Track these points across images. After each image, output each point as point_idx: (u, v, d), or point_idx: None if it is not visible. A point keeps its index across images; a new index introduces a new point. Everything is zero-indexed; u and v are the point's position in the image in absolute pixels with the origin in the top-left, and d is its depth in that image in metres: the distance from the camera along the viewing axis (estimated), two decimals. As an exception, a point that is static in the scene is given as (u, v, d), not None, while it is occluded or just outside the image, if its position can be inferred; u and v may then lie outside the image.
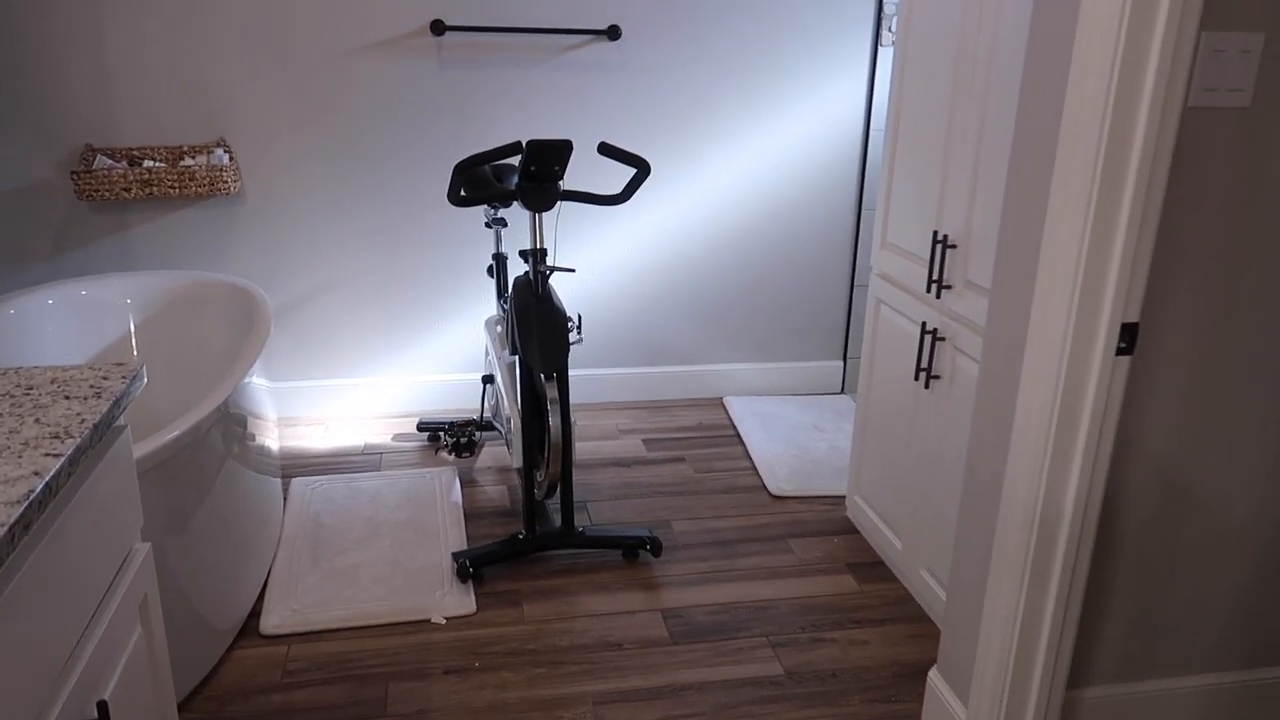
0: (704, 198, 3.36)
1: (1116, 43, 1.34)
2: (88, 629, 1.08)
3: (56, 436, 1.02)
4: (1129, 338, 1.47)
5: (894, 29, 3.13)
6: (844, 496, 2.82)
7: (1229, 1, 1.41)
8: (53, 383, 1.18)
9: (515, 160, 2.77)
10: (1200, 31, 1.41)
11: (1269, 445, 1.67)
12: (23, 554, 0.92)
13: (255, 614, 2.22)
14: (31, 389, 1.16)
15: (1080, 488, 1.55)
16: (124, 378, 1.20)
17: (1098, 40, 1.36)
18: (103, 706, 1.02)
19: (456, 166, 2.28)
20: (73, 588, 1.03)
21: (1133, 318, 1.46)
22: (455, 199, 2.33)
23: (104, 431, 1.10)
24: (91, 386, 1.17)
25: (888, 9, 3.23)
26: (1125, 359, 1.48)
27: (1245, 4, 1.41)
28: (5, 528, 0.85)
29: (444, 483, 2.84)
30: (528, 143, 2.22)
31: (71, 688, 1.00)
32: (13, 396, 1.13)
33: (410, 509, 2.68)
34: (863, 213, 3.45)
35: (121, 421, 1.24)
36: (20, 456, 0.98)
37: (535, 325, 2.30)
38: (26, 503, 0.89)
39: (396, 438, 3.17)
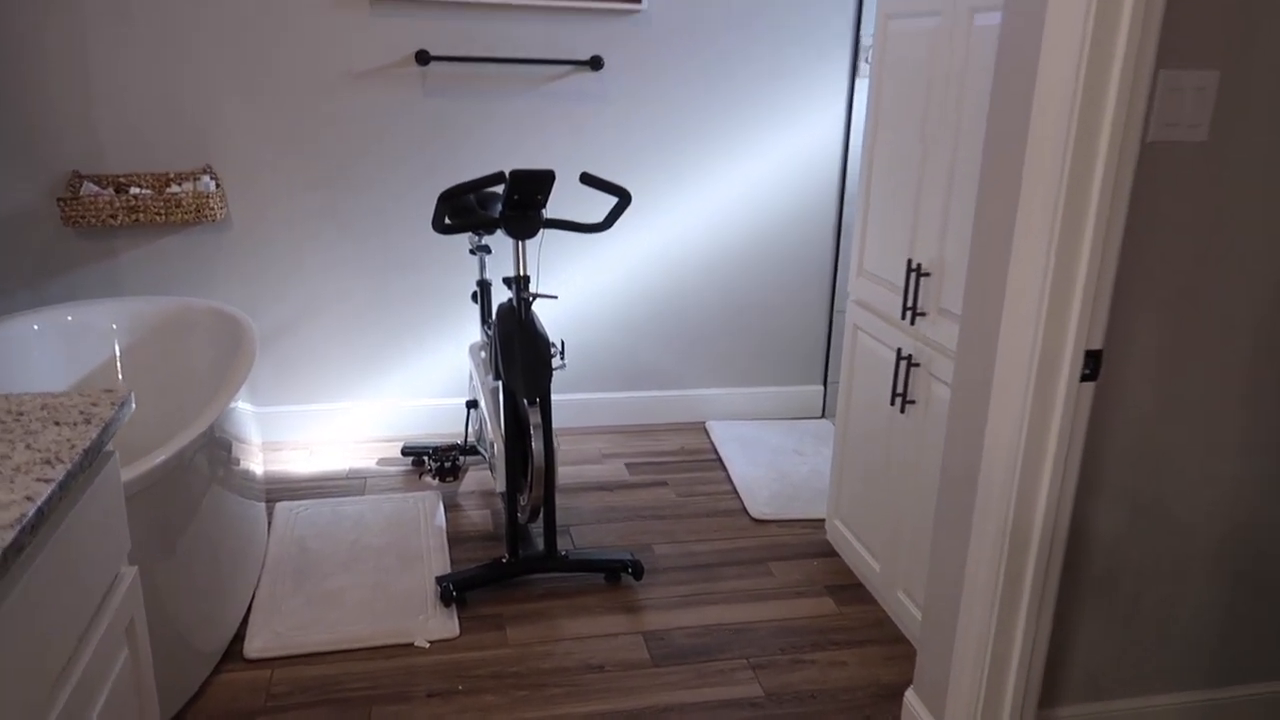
0: (685, 225, 3.41)
1: (1076, 81, 1.40)
2: (76, 651, 1.10)
3: (48, 462, 1.05)
4: (1093, 364, 1.52)
5: (869, 60, 3.20)
6: (824, 520, 2.85)
7: (1184, 41, 1.47)
8: (43, 409, 1.21)
9: (499, 188, 2.81)
10: (1158, 70, 1.47)
11: (1233, 467, 1.72)
12: (14, 577, 0.95)
13: (239, 637, 2.22)
14: (22, 415, 1.18)
15: (1049, 510, 1.59)
16: (113, 404, 1.22)
17: (1058, 79, 1.42)
18: (90, 727, 1.04)
19: (441, 195, 2.32)
20: (62, 611, 1.05)
21: (1096, 345, 1.51)
22: (440, 227, 2.37)
23: (94, 457, 1.13)
24: (81, 413, 1.19)
25: (864, 40, 3.31)
26: (1090, 385, 1.53)
27: (1200, 43, 1.48)
28: (-1, 551, 0.87)
29: (428, 507, 2.86)
30: (511, 172, 2.27)
31: (60, 710, 1.02)
32: (3, 422, 1.16)
33: (394, 533, 2.70)
34: (842, 240, 3.51)
35: (110, 447, 1.27)
36: (12, 482, 1.00)
37: (518, 351, 2.33)
38: (19, 527, 0.92)
39: (381, 462, 3.19)
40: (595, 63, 3.17)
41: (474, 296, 3.02)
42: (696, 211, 3.40)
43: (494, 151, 3.21)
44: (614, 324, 3.46)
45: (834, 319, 3.60)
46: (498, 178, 2.30)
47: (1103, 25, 1.38)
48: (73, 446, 1.09)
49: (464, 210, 2.55)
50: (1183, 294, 1.60)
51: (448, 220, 2.43)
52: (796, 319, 3.59)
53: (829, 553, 2.68)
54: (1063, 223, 1.45)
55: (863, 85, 3.34)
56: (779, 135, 3.37)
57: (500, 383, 2.54)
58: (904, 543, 2.26)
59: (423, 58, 3.05)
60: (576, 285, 3.39)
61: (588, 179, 2.45)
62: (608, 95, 3.23)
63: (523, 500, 2.44)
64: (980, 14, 1.88)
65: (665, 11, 3.18)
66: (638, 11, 3.15)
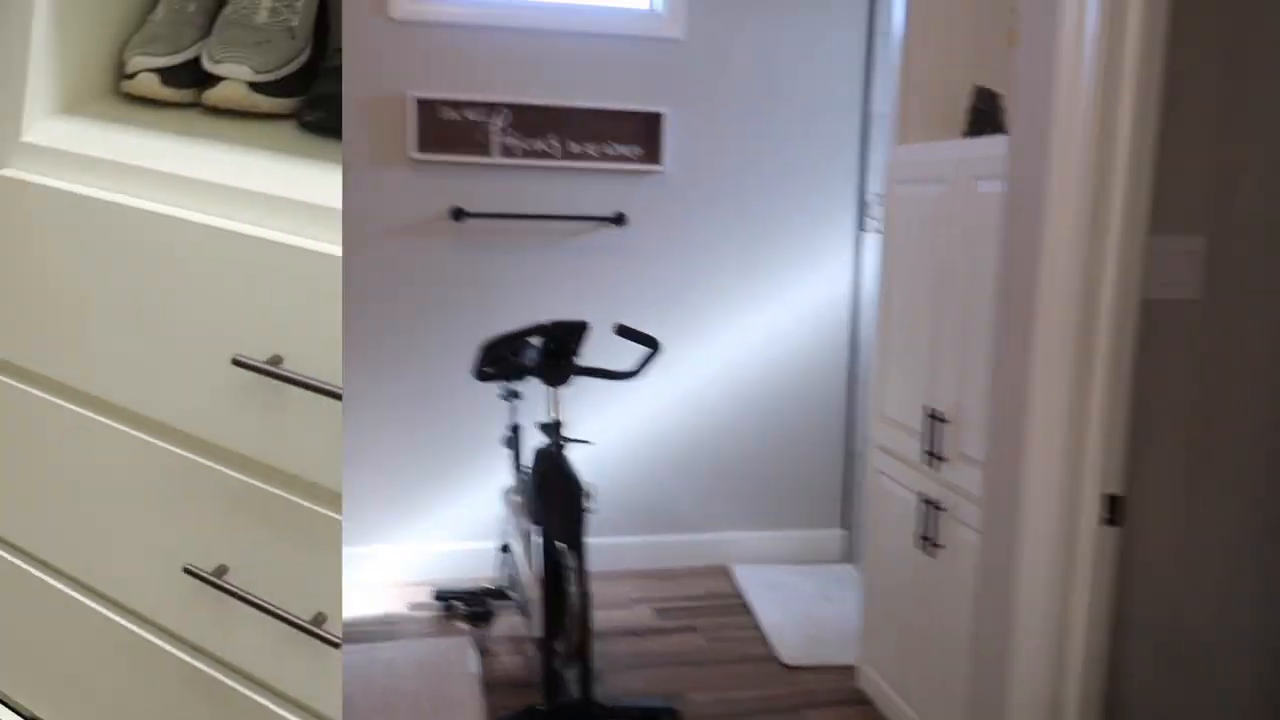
0: (704, 372, 3.54)
1: (1077, 247, 1.54)
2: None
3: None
4: (1114, 509, 1.59)
5: (875, 216, 3.39)
6: (854, 666, 2.85)
7: (1173, 210, 1.61)
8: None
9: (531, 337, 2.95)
10: (1150, 236, 1.61)
11: (1258, 607, 1.77)
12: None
13: (275, 791, 2.22)
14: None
15: (1082, 659, 1.63)
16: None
17: (1062, 245, 1.56)
18: None
19: (483, 345, 2.45)
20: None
21: (1115, 489, 1.59)
22: (480, 374, 2.49)
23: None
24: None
25: (869, 196, 3.51)
26: (1114, 530, 1.60)
27: (1187, 212, 1.63)
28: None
29: (460, 652, 2.87)
30: (548, 324, 2.41)
31: None
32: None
33: (426, 679, 2.71)
34: (857, 385, 3.62)
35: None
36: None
37: (554, 495, 2.41)
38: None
39: (412, 606, 3.21)
40: (619, 219, 3.38)
41: (507, 441, 3.12)
42: (714, 359, 3.53)
43: (523, 300, 3.37)
44: (636, 468, 3.54)
45: (849, 462, 3.67)
46: (537, 329, 2.44)
47: (1099, 198, 1.53)
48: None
49: (501, 359, 2.68)
50: (1193, 438, 1.69)
51: (486, 369, 2.56)
52: (812, 463, 3.66)
53: (862, 700, 2.67)
54: (1074, 377, 1.56)
55: (867, 238, 3.52)
56: (791, 284, 3.54)
57: (536, 526, 2.61)
58: (940, 688, 2.27)
59: (457, 214, 3.26)
60: (597, 430, 3.49)
61: (622, 330, 2.59)
62: (630, 249, 3.42)
63: (559, 646, 2.46)
64: (983, 182, 2.04)
65: (683, 172, 3.41)
66: (659, 172, 3.38)
